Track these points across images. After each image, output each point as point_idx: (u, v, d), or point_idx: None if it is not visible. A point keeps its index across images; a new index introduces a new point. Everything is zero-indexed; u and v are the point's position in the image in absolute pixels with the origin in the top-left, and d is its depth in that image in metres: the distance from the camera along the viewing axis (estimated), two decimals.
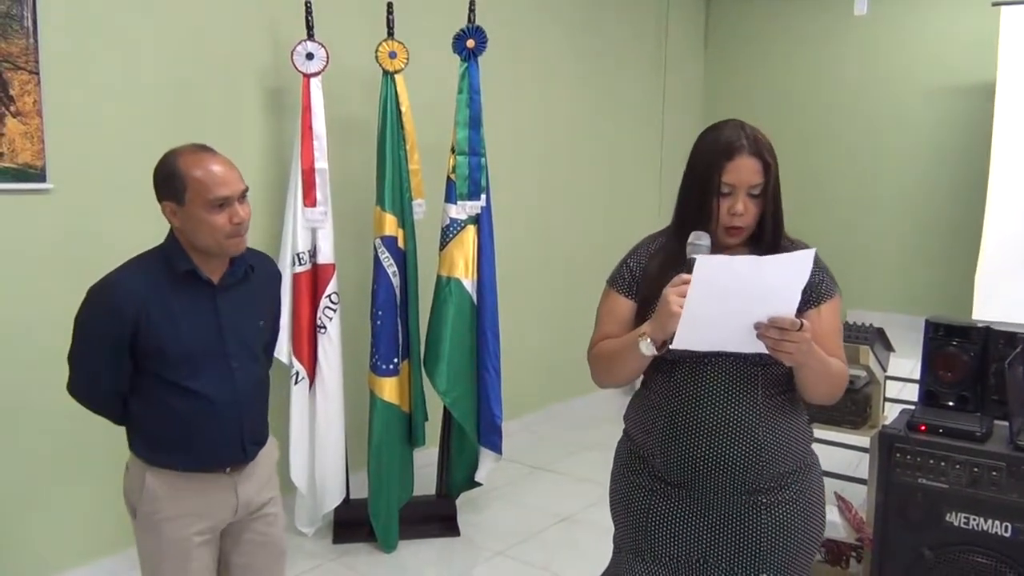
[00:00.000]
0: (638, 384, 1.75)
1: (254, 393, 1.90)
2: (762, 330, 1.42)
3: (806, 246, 1.67)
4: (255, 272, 1.90)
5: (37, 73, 2.66)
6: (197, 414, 1.79)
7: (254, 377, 1.90)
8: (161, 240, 1.85)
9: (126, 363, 1.77)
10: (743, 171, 1.54)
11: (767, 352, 1.46)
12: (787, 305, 1.42)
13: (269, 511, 1.98)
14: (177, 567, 1.83)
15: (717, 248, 1.56)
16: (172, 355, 1.76)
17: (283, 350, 3.07)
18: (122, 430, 1.89)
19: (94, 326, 1.77)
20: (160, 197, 1.77)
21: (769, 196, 1.57)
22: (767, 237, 1.61)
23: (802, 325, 1.42)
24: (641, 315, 1.62)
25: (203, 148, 1.78)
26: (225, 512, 1.89)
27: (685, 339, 1.45)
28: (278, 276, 2.11)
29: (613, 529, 1.79)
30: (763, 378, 1.58)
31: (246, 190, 1.79)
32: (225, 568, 1.96)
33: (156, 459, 1.82)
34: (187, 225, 1.76)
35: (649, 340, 1.50)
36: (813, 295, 1.59)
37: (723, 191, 1.55)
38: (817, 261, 1.62)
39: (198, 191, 1.72)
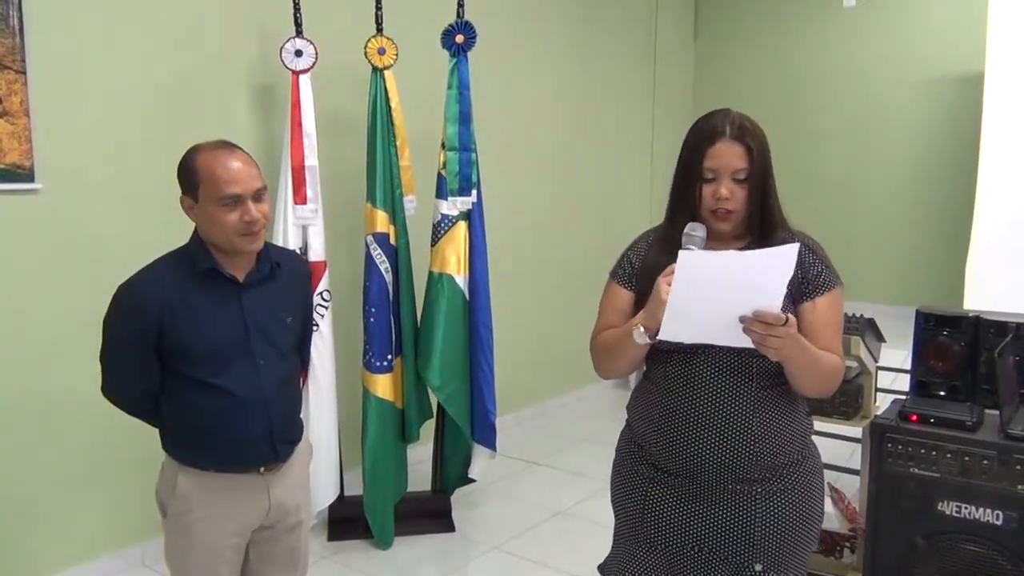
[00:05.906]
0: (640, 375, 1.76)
1: (282, 391, 1.88)
2: (747, 324, 1.43)
3: (808, 239, 1.67)
4: (282, 269, 1.89)
5: (24, 72, 2.65)
6: (224, 411, 1.78)
7: (282, 374, 1.88)
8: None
9: (153, 362, 1.77)
10: (725, 155, 1.54)
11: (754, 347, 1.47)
12: (772, 300, 1.41)
13: (298, 518, 1.96)
14: (206, 569, 1.82)
15: (711, 235, 1.57)
16: (197, 352, 1.75)
17: None
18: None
19: (120, 326, 1.77)
20: (182, 192, 1.78)
21: (756, 182, 1.57)
22: (755, 226, 1.61)
23: (787, 320, 1.42)
24: (639, 306, 1.63)
25: (224, 144, 1.77)
26: (256, 514, 1.87)
27: (671, 331, 1.47)
28: (307, 274, 2.08)
29: (608, 522, 1.79)
30: (757, 369, 1.58)
31: (262, 188, 1.76)
32: (245, 569, 1.94)
33: (187, 458, 1.82)
34: (201, 221, 1.76)
35: (642, 329, 1.51)
36: (809, 287, 1.59)
37: (707, 176, 1.56)
38: (817, 252, 1.63)
39: (209, 188, 1.71)
